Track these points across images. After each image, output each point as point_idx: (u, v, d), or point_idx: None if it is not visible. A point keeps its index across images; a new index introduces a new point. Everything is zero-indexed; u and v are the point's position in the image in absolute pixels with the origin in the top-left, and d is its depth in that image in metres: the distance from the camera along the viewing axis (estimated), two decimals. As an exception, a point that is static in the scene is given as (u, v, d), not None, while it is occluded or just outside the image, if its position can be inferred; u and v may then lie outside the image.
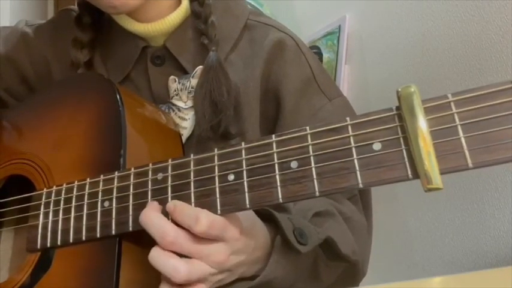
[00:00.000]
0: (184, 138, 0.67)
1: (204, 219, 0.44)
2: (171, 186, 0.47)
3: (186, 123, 0.67)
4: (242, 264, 0.49)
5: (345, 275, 0.63)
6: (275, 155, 0.42)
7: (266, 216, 0.53)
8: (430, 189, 0.35)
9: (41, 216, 0.56)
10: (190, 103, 0.67)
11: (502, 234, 0.91)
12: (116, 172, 0.51)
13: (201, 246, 0.45)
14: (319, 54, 1.43)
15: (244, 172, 0.43)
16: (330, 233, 0.57)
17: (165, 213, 0.46)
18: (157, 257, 0.45)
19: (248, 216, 0.50)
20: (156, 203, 0.47)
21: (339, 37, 1.38)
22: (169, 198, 0.46)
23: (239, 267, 0.49)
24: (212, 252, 0.46)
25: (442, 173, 0.35)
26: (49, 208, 0.55)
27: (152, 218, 0.46)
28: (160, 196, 0.47)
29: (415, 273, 1.10)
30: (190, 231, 0.44)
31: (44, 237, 0.55)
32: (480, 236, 0.95)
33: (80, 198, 0.53)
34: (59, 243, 0.53)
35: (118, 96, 0.56)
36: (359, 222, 0.66)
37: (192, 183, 0.45)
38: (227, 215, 0.46)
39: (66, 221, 0.53)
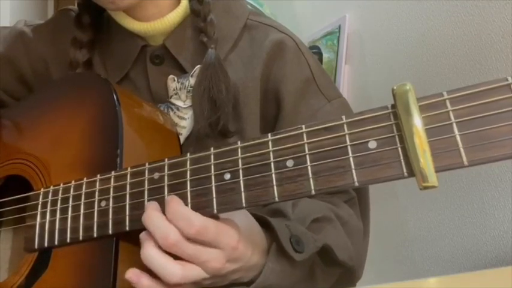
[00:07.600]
0: (183, 138, 0.66)
1: (196, 222, 0.44)
2: (168, 185, 0.47)
3: (185, 123, 0.67)
4: (237, 271, 0.49)
5: (341, 281, 0.63)
6: (271, 153, 0.42)
7: (263, 222, 0.53)
8: (425, 187, 0.35)
9: (39, 216, 0.56)
10: (189, 102, 0.67)
11: (502, 234, 0.90)
12: (113, 172, 0.51)
13: (200, 252, 0.45)
14: (319, 54, 1.43)
15: (241, 171, 0.43)
16: (327, 239, 0.56)
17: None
18: (153, 258, 0.45)
19: (246, 221, 0.50)
20: (155, 203, 0.47)
21: (339, 37, 1.38)
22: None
23: (233, 274, 0.49)
24: (209, 258, 0.46)
25: (437, 171, 0.35)
26: (46, 208, 0.55)
27: (154, 218, 0.46)
28: (156, 195, 0.47)
29: (415, 273, 1.10)
30: (182, 232, 0.44)
31: (42, 237, 0.55)
32: (480, 236, 0.95)
33: (76, 198, 0.53)
34: (56, 243, 0.54)
35: (115, 96, 0.56)
36: (356, 226, 0.66)
37: (188, 183, 0.45)
38: (225, 221, 0.46)
39: (64, 220, 0.53)
